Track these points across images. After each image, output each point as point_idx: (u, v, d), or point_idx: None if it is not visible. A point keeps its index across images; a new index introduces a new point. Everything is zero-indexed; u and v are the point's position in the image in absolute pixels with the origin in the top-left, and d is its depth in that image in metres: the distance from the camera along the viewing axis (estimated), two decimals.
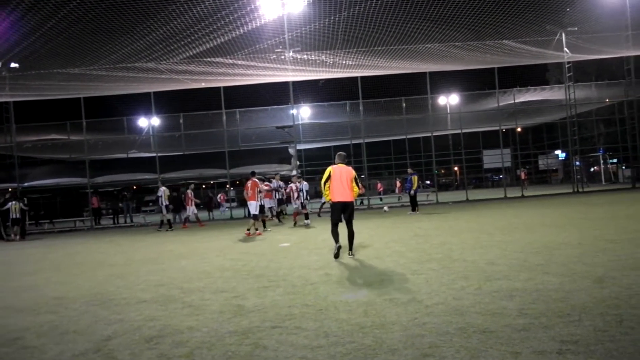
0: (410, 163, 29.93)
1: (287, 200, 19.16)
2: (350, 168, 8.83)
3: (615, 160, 39.81)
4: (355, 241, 9.03)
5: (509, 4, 17.50)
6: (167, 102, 29.14)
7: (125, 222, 28.43)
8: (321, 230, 14.68)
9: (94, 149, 28.50)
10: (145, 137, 28.99)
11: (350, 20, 17.76)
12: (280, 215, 19.11)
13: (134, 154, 29.86)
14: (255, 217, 14.65)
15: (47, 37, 16.68)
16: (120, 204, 29.99)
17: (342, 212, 8.67)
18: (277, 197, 18.81)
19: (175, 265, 9.35)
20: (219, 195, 33.41)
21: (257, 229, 14.65)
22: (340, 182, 8.59)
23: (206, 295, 6.24)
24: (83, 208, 33.48)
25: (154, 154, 27.08)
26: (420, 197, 27.29)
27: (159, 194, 19.62)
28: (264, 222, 15.86)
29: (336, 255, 8.48)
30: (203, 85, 25.38)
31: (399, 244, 9.94)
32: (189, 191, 21.04)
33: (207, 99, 27.82)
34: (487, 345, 3.63)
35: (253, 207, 14.66)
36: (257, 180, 15.03)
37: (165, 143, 28.89)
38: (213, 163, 28.93)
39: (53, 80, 21.68)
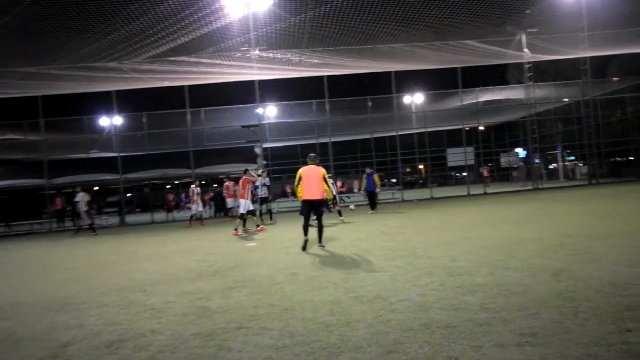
0: (376, 162, 30.26)
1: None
2: (319, 168, 9.55)
3: (573, 158, 41.07)
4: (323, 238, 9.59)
5: (471, 6, 17.86)
6: (130, 101, 28.43)
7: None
8: (288, 229, 14.65)
9: (53, 149, 27.59)
10: (106, 137, 28.26)
11: (317, 19, 17.78)
12: (262, 215, 18.57)
13: (95, 154, 29.06)
14: (242, 215, 14.48)
15: (2, 34, 16.07)
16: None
17: (311, 209, 9.46)
18: (262, 195, 18.18)
19: (138, 267, 9.16)
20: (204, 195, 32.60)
21: (237, 229, 14.35)
22: (310, 182, 9.36)
23: (170, 297, 6.14)
24: (42, 210, 32.36)
25: (116, 154, 26.47)
26: (386, 195, 27.61)
27: (77, 199, 19.19)
28: (244, 221, 15.50)
29: (303, 248, 9.27)
30: (167, 84, 24.94)
31: (365, 242, 10.01)
32: (195, 188, 20.02)
33: (171, 97, 27.36)
34: (450, 340, 3.69)
35: (242, 205, 14.43)
36: (249, 177, 14.64)
37: (128, 143, 28.21)
38: (177, 163, 28.47)
39: (9, 78, 20.91)
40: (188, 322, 4.85)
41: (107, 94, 25.86)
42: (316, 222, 9.67)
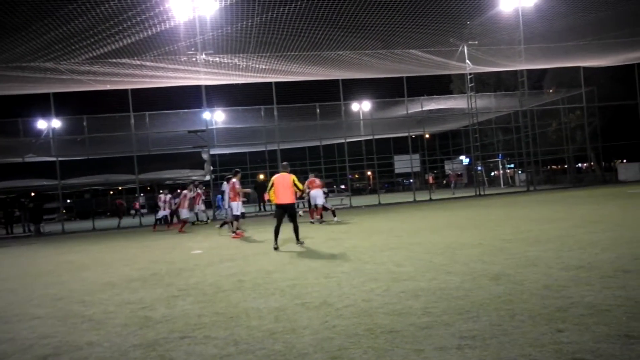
0: (324, 169, 30.45)
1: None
2: (290, 175, 10.66)
3: (512, 165, 42.88)
4: (270, 245, 10.52)
5: (414, 15, 18.33)
6: (70, 103, 27.35)
7: (24, 231, 26.28)
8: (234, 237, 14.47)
9: None
10: (44, 140, 26.93)
11: (264, 25, 17.73)
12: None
13: (31, 159, 27.64)
14: (236, 217, 14.55)
15: None
16: (17, 212, 27.65)
17: (284, 212, 10.52)
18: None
19: (76, 277, 8.77)
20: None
21: (238, 230, 14.45)
22: (282, 188, 10.44)
23: (110, 307, 5.91)
24: None
25: (54, 159, 25.30)
26: (335, 202, 27.77)
27: None
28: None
29: (275, 247, 10.19)
30: (109, 87, 24.10)
31: (313, 248, 10.03)
32: (165, 196, 20.18)
33: (114, 101, 26.46)
34: (393, 344, 3.75)
35: (235, 208, 14.42)
36: (235, 180, 14.56)
37: (68, 147, 27.03)
38: (121, 168, 27.55)
39: None
40: (129, 333, 4.68)
41: (45, 95, 24.70)
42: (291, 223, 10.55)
